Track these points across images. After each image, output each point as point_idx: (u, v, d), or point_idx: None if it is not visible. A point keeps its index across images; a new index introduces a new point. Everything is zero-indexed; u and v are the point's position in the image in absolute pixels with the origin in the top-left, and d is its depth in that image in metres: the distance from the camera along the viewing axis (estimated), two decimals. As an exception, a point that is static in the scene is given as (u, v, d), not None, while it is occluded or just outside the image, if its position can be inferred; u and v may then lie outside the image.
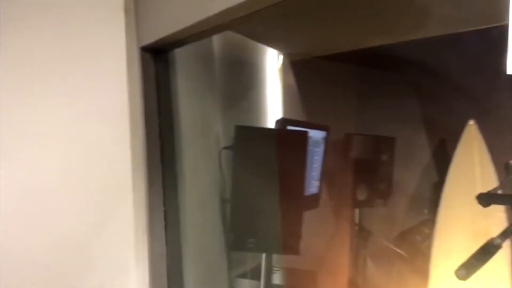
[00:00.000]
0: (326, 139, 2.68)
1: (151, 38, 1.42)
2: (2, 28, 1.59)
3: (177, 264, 1.51)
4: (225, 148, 2.13)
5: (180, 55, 1.61)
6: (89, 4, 1.51)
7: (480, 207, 1.40)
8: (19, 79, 1.57)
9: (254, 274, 2.29)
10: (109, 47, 1.46)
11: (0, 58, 1.56)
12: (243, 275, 2.33)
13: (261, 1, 1.09)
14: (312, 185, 2.62)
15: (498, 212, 1.68)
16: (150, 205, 1.41)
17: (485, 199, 1.41)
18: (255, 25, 2.27)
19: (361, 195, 2.82)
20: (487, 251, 1.32)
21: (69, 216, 1.49)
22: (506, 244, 1.35)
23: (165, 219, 1.46)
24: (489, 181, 1.74)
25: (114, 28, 1.44)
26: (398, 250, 2.66)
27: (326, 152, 2.68)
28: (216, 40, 2.19)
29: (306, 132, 2.22)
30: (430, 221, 2.17)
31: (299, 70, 2.84)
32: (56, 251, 1.51)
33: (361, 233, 2.85)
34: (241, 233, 2.09)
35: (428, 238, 2.24)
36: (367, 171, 2.85)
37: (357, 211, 2.86)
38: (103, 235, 1.44)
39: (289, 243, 2.12)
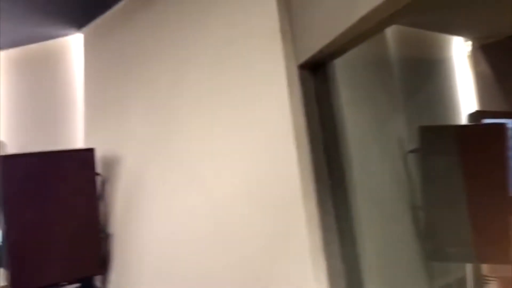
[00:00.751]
0: (535, 127, 2.35)
1: (306, 54, 1.42)
2: (181, 67, 1.76)
3: (358, 279, 1.44)
4: (411, 151, 2.00)
5: (341, 65, 1.56)
6: (247, 34, 1.59)
7: None
8: (195, 111, 1.72)
9: (462, 285, 2.10)
10: (269, 71, 1.49)
11: (176, 92, 1.73)
12: (448, 286, 2.15)
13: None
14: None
15: None
16: (323, 222, 1.38)
17: None
18: (432, 15, 2.11)
19: None
20: None
21: (248, 239, 1.57)
22: None
23: (340, 235, 1.41)
24: None
25: (272, 52, 1.48)
26: None
27: (537, 142, 2.35)
28: (390, 41, 2.08)
29: (503, 124, 1.96)
30: None
31: (492, 54, 2.54)
32: (238, 271, 1.58)
33: None
34: (441, 242, 1.95)
35: None
36: None
37: None
38: (279, 256, 1.46)
39: (497, 251, 1.90)
